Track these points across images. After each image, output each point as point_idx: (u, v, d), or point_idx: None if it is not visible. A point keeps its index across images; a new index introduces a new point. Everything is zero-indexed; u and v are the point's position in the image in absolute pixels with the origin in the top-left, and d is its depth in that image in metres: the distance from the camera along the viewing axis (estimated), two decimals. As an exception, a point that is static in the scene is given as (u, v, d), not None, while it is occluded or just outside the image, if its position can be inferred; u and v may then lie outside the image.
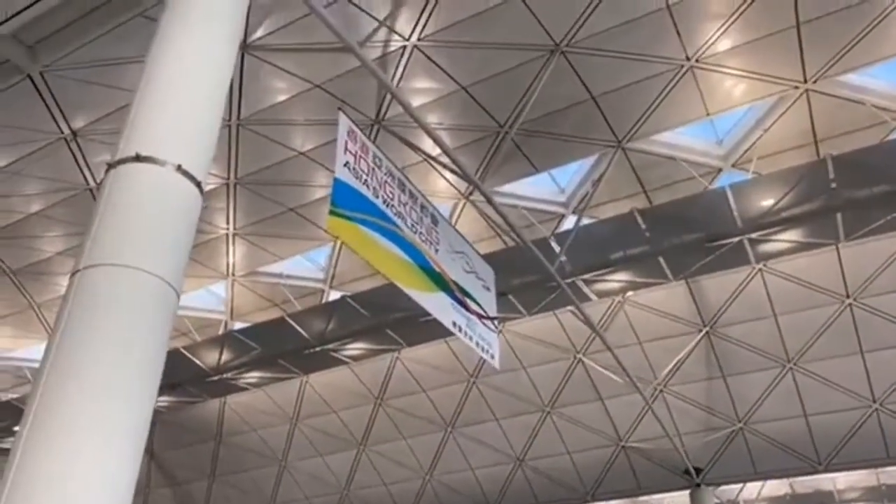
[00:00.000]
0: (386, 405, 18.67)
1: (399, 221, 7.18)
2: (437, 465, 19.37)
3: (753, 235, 11.51)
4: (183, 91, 4.44)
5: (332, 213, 6.17)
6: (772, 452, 16.62)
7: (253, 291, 15.75)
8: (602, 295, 13.95)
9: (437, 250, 7.79)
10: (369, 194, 6.79)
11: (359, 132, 6.97)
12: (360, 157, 6.86)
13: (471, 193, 13.05)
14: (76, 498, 3.29)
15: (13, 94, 9.03)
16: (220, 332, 16.00)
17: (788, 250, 12.16)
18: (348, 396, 18.67)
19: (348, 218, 6.36)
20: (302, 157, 11.99)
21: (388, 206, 7.06)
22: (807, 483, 22.10)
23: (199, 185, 4.29)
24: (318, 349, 15.02)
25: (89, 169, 11.26)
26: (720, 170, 12.44)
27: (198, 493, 21.62)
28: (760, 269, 14.28)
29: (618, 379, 16.23)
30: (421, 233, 7.57)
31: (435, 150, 10.63)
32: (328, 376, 18.16)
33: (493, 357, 8.44)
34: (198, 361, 15.31)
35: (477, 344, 8.10)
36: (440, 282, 7.68)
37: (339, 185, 6.35)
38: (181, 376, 15.80)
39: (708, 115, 11.20)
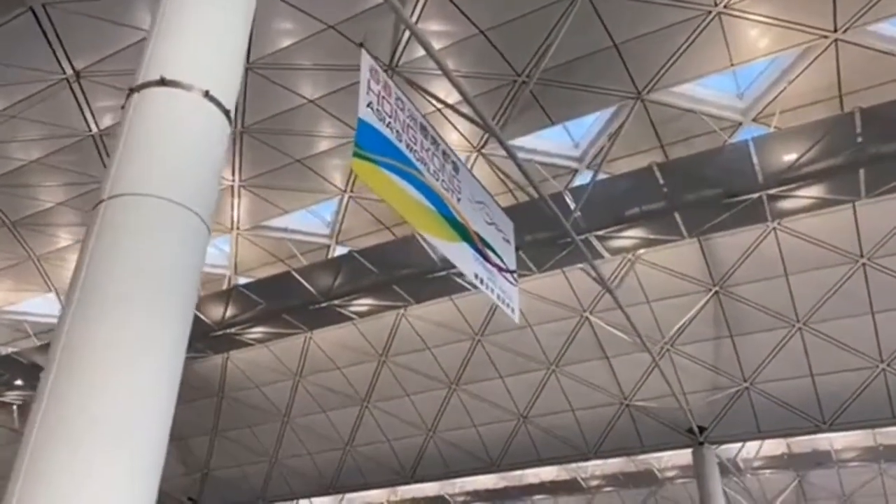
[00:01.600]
0: (390, 362, 18.58)
1: (422, 167, 6.88)
2: (440, 422, 19.37)
3: (773, 191, 11.25)
4: (209, 10, 4.10)
5: (356, 154, 5.87)
6: (776, 412, 16.63)
7: (258, 246, 15.46)
8: (615, 252, 13.74)
9: (458, 199, 7.52)
10: (392, 137, 6.48)
11: (381, 72, 6.62)
12: (383, 97, 6.52)
13: (482, 146, 12.71)
14: (106, 440, 3.06)
15: (13, 29, 8.58)
16: (225, 286, 15.75)
17: (807, 207, 11.91)
18: (352, 353, 18.55)
19: (373, 161, 6.06)
20: (311, 105, 11.60)
21: (410, 150, 6.75)
22: (804, 443, 22.30)
23: (227, 114, 3.99)
24: (324, 305, 14.81)
25: (92, 114, 10.84)
26: (740, 124, 12.11)
27: (199, 448, 21.65)
28: (774, 228, 14.06)
29: (625, 337, 16.14)
30: (443, 180, 7.28)
31: (449, 99, 10.28)
32: (332, 333, 18.00)
33: (513, 311, 8.24)
34: (202, 316, 15.08)
35: (498, 297, 7.89)
36: (462, 231, 7.42)
37: (362, 125, 6.03)
38: (184, 331, 15.61)
39: (732, 65, 10.83)
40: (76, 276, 3.38)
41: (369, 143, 6.07)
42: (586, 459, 19.14)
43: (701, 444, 17.45)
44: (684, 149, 12.32)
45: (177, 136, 3.72)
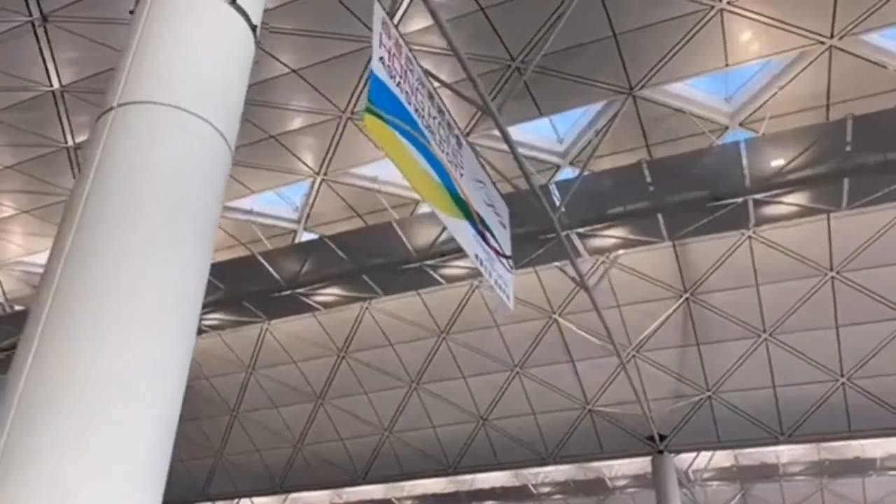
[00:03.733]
0: (350, 357, 17.94)
1: (429, 135, 6.42)
2: (398, 422, 18.82)
3: (759, 196, 11.16)
4: None
5: (368, 110, 5.36)
6: (736, 422, 16.68)
7: (219, 228, 14.65)
8: (593, 252, 13.50)
9: (461, 174, 7.08)
10: (402, 98, 6.00)
11: (393, 27, 6.14)
12: (394, 55, 6.04)
13: (468, 134, 12.29)
14: (103, 410, 2.50)
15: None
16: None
17: (788, 215, 11.88)
18: (310, 347, 17.85)
19: (384, 119, 5.56)
20: (288, 77, 10.99)
21: (419, 115, 6.28)
22: (752, 455, 22.55)
23: (253, 29, 3.46)
24: (287, 293, 14.10)
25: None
26: (726, 128, 12.03)
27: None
28: (749, 237, 14.07)
29: (595, 341, 15.93)
30: (448, 153, 6.83)
31: (441, 76, 9.84)
32: (290, 325, 17.30)
33: (508, 298, 7.82)
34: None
35: (496, 282, 7.46)
36: (464, 209, 6.97)
37: (375, 80, 5.53)
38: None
39: (727, 65, 10.71)
40: (76, 197, 2.80)
41: (381, 101, 5.57)
42: (545, 464, 18.85)
43: (661, 452, 17.38)
44: (669, 150, 12.17)
45: (198, 43, 3.18)
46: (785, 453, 22.64)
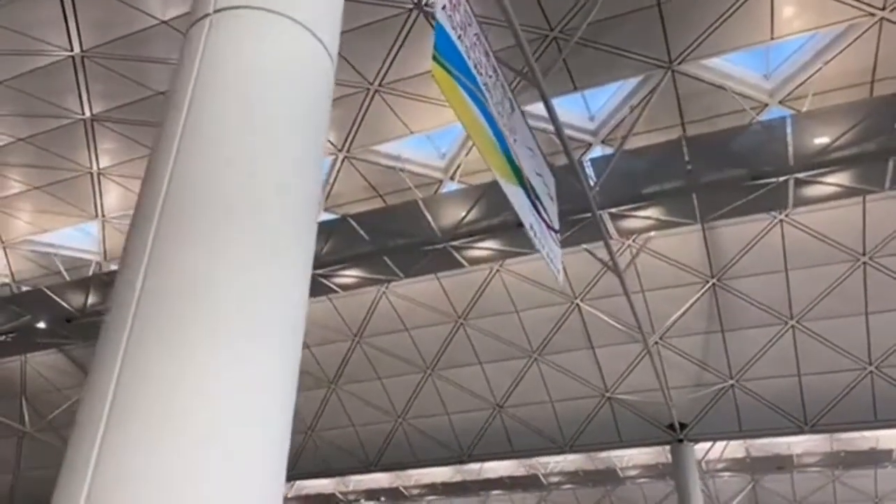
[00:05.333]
0: (364, 342, 17.57)
1: (487, 94, 6.02)
2: (412, 408, 18.47)
3: (801, 175, 10.78)
4: None
5: (435, 59, 4.96)
6: (759, 411, 16.36)
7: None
8: (624, 234, 13.13)
9: (514, 140, 6.68)
10: (463, 52, 5.59)
11: (453, -24, 5.72)
12: (455, 5, 5.63)
13: (497, 110, 11.86)
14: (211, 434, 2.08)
15: None
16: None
17: (828, 196, 11.50)
18: (324, 331, 17.46)
19: (448, 71, 5.16)
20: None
21: (478, 72, 5.88)
22: (766, 447, 22.30)
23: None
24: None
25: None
26: (765, 105, 11.63)
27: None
28: (781, 220, 13.73)
29: (618, 327, 15.59)
30: (503, 115, 6.43)
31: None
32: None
33: (558, 272, 7.44)
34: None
35: (547, 255, 7.08)
36: (519, 176, 6.58)
37: (440, 29, 5.13)
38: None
39: (772, 39, 10.30)
40: (169, 117, 2.39)
41: (445, 51, 5.17)
42: (561, 453, 18.52)
43: (680, 441, 17.07)
44: (706, 128, 11.78)
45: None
46: (799, 445, 22.40)
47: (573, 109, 12.53)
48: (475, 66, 5.86)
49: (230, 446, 2.03)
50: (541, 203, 7.17)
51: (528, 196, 6.74)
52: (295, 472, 20.27)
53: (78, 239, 15.45)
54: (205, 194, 2.24)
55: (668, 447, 19.98)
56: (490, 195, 12.05)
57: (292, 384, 2.33)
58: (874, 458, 21.83)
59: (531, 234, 6.62)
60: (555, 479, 25.00)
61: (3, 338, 15.50)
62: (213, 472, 1.98)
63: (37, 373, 19.37)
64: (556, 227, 7.72)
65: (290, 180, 2.39)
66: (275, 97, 2.42)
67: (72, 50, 9.87)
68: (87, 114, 11.30)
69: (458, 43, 5.53)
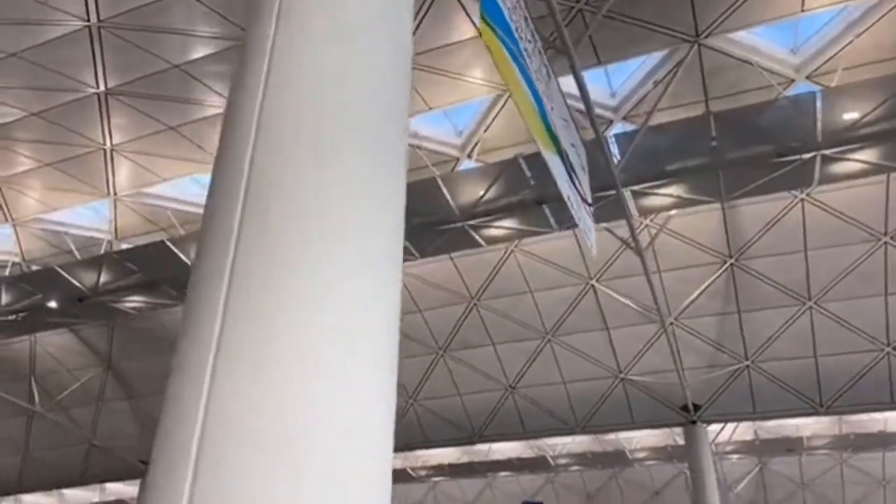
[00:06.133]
0: (376, 323, 17.42)
1: (528, 59, 5.82)
2: (423, 389, 18.39)
3: (829, 152, 10.59)
4: None
5: (483, 19, 4.77)
6: (774, 392, 16.27)
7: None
8: (644, 212, 12.95)
9: (552, 108, 6.49)
10: (506, 14, 5.40)
11: (495, -65, 5.51)
12: (497, -35, 5.42)
13: (517, 85, 11.65)
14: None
15: None
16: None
17: (855, 173, 11.31)
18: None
19: (494, 32, 4.97)
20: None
21: (519, 36, 5.68)
22: (774, 430, 22.29)
23: None
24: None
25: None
26: (792, 81, 11.42)
27: (156, 407, 20.02)
28: (802, 199, 13.56)
29: (634, 307, 15.46)
30: (540, 81, 6.24)
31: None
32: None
33: (592, 246, 7.29)
34: (183, 257, 13.63)
35: (582, 227, 6.92)
36: (556, 145, 6.41)
37: (485, -13, 4.93)
38: (161, 273, 14.12)
39: (802, 10, 10.08)
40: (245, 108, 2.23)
41: (491, 12, 4.98)
42: (573, 434, 18.47)
43: (693, 422, 17.00)
44: (730, 104, 11.56)
45: None
46: (808, 427, 22.37)
47: (594, 85, 12.30)
48: (517, 30, 5.66)
49: (338, 385, 1.90)
50: (575, 174, 7.00)
51: (565, 166, 6.56)
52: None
53: (89, 217, 15.29)
54: (296, 136, 2.09)
55: (676, 429, 20.05)
56: (509, 173, 11.87)
57: (395, 322, 2.21)
58: (883, 440, 21.82)
59: (569, 204, 6.45)
60: (563, 461, 25.00)
61: (13, 317, 15.36)
62: (323, 404, 1.85)
63: (46, 353, 19.28)
64: (590, 200, 7.56)
65: (382, 125, 2.24)
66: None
67: (88, 19, 9.64)
68: (102, 87, 11.08)
69: (501, 4, 5.33)
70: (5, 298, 14.78)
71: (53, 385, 19.48)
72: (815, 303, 14.94)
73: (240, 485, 1.76)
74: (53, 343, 19.07)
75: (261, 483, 1.76)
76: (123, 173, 13.28)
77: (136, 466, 20.22)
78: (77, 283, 14.43)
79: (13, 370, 19.20)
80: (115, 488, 26.96)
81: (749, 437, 22.65)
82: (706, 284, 15.11)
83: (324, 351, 1.95)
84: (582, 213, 6.90)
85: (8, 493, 24.18)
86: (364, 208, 2.14)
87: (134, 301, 15.38)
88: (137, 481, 21.19)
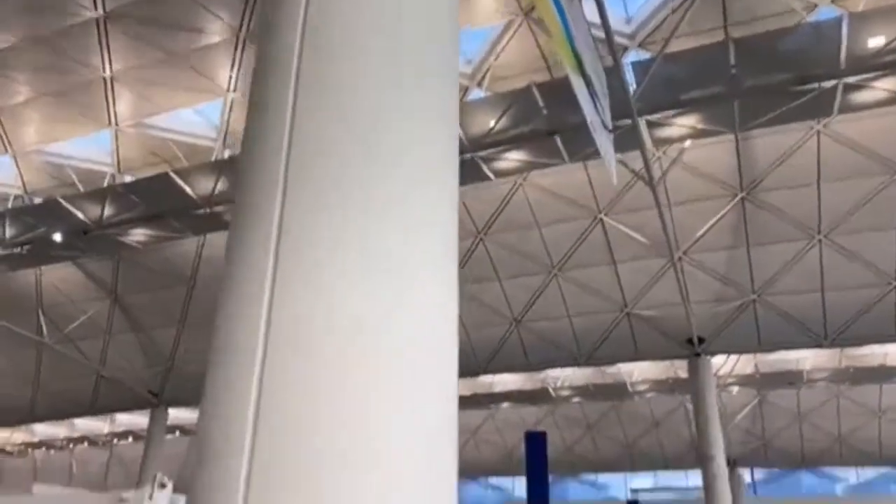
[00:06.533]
0: (382, 257, 17.38)
1: (554, -24, 5.53)
2: (429, 323, 18.46)
3: (851, 80, 10.29)
4: None
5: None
6: (779, 326, 16.35)
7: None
8: (658, 144, 12.71)
9: (576, 30, 6.21)
10: (534, -75, 5.09)
11: None
12: None
13: (530, 10, 11.26)
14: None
15: None
16: (213, 158, 14.07)
17: (876, 102, 11.01)
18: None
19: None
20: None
21: (546, -50, 5.37)
22: (774, 363, 22.56)
23: None
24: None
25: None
26: (815, 6, 11.01)
27: (164, 340, 20.22)
28: (818, 131, 13.30)
29: (643, 241, 15.37)
30: (565, 1, 5.95)
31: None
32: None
33: (612, 173, 7.13)
34: (188, 189, 13.46)
35: (604, 154, 6.74)
36: (581, 68, 6.16)
37: None
38: (165, 206, 13.97)
39: (832, -70, 9.61)
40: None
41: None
42: (576, 365, 18.69)
43: (697, 355, 17.17)
44: (749, 31, 11.18)
45: None
46: (808, 361, 22.67)
47: (609, 10, 11.86)
48: (543, -57, 5.36)
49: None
50: (598, 100, 6.78)
51: (589, 90, 6.34)
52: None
53: (91, 149, 15.02)
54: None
55: (678, 362, 20.31)
56: (521, 102, 11.59)
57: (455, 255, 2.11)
58: (882, 374, 22.13)
59: (592, 130, 6.27)
60: (564, 393, 25.44)
61: (18, 250, 15.29)
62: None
63: (52, 285, 19.31)
64: (611, 126, 7.35)
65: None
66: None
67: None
68: (100, 10, 10.68)
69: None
70: (9, 231, 14.68)
71: (61, 318, 19.59)
72: (824, 237, 14.86)
73: (304, 395, 1.68)
74: (59, 276, 19.08)
75: (326, 401, 1.68)
76: (124, 103, 12.96)
77: (145, 397, 20.57)
78: (81, 216, 14.30)
79: (20, 303, 19.27)
80: (125, 419, 27.58)
81: (750, 370, 22.98)
82: (716, 218, 15.00)
83: (383, 276, 1.85)
84: (603, 140, 6.71)
85: (21, 423, 24.69)
86: (420, 129, 2.01)
87: (139, 234, 15.28)
88: (147, 412, 21.61)
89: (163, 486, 9.84)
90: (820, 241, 14.92)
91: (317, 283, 1.79)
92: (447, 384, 1.94)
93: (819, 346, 16.42)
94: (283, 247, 1.83)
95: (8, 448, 29.97)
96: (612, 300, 17.04)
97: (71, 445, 29.43)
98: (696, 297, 16.36)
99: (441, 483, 1.79)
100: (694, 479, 27.59)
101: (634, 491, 30.70)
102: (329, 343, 1.73)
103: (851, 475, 29.50)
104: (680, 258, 15.79)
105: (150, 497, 9.81)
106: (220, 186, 13.68)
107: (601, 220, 15.71)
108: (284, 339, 1.76)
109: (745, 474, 28.04)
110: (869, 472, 29.21)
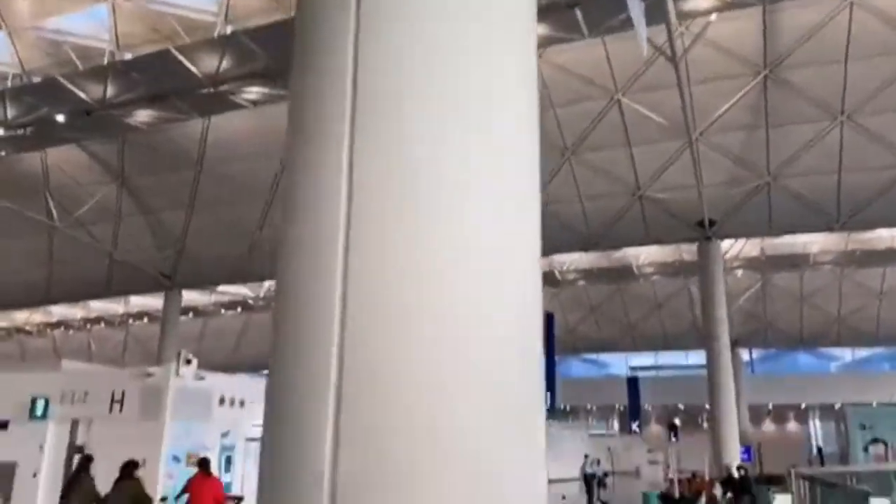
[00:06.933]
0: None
1: None
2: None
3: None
4: None
5: None
6: (791, 209, 16.23)
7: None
8: (684, 17, 12.08)
9: None
10: None
11: None
12: None
13: None
14: None
15: None
16: (216, 34, 13.46)
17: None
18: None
19: None
20: None
21: None
22: (780, 246, 22.64)
23: None
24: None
25: None
26: None
27: (173, 223, 20.21)
28: (851, 3, 12.61)
29: (660, 121, 14.97)
30: None
31: None
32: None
33: (643, 43, 6.78)
34: (191, 67, 12.98)
35: (636, 22, 6.37)
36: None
37: None
38: (169, 85, 13.54)
39: None
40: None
41: None
42: (585, 250, 18.77)
43: (708, 238, 17.18)
44: None
45: None
46: (814, 244, 22.74)
47: None
48: None
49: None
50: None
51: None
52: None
53: (88, 25, 14.35)
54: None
55: (685, 245, 20.38)
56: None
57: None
58: (888, 257, 22.29)
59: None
60: (570, 276, 25.76)
61: (21, 131, 14.99)
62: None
63: (58, 168, 19.11)
64: (643, -5, 6.92)
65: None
66: None
67: None
68: None
69: None
70: (10, 112, 14.32)
71: (69, 201, 19.53)
72: (847, 117, 14.45)
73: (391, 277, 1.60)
74: (64, 159, 18.83)
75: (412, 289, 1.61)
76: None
77: (158, 280, 20.86)
78: (83, 96, 13.89)
79: (28, 186, 19.14)
80: (139, 301, 28.15)
81: (756, 253, 23.13)
82: (737, 97, 14.52)
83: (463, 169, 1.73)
84: (635, 7, 6.33)
85: (39, 304, 25.24)
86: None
87: (143, 115, 14.91)
88: (160, 294, 22.00)
89: (188, 362, 10.14)
90: (842, 121, 14.52)
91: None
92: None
93: (830, 229, 16.39)
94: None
95: (28, 328, 30.86)
96: (624, 183, 16.84)
97: (88, 326, 30.26)
98: (709, 180, 16.15)
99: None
100: (693, 358, 28.58)
101: (634, 368, 31.80)
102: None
103: (847, 354, 30.41)
104: (697, 139, 15.46)
105: (178, 373, 10.13)
106: (225, 64, 13.20)
107: (618, 100, 15.24)
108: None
109: (744, 354, 28.89)
110: (864, 353, 30.11)
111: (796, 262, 23.21)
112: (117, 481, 7.12)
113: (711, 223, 16.86)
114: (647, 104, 14.99)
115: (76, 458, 9.96)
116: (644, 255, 24.57)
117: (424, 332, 1.60)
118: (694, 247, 18.45)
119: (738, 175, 16.10)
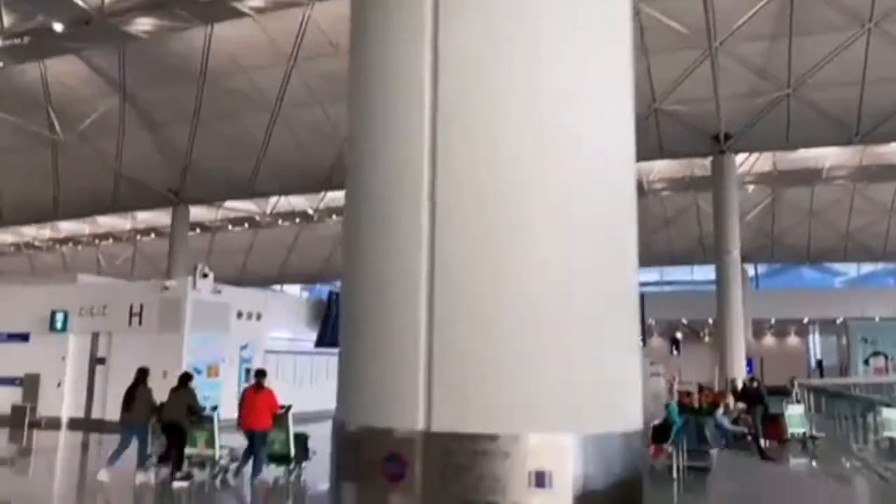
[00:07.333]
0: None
1: None
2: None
3: None
4: None
5: None
6: (809, 122, 15.86)
7: None
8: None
9: None
10: None
11: None
12: None
13: None
14: None
15: None
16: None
17: None
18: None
19: None
20: None
21: None
22: (792, 161, 22.27)
23: None
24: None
25: None
26: None
27: (179, 137, 19.87)
28: None
29: (681, 29, 14.40)
30: None
31: None
32: (336, 7, 15.53)
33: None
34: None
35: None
36: None
37: None
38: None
39: None
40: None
41: None
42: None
43: (723, 152, 16.89)
44: None
45: None
46: (828, 158, 22.35)
47: None
48: None
49: None
50: None
51: None
52: (333, 182, 20.53)
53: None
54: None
55: (696, 160, 20.06)
56: None
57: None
58: (901, 172, 21.97)
59: None
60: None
61: (19, 41, 14.52)
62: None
63: (59, 81, 18.64)
64: None
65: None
66: None
67: None
68: None
69: None
70: (7, 20, 13.83)
71: (72, 115, 19.16)
72: (874, 24, 13.89)
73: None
74: (64, 71, 18.33)
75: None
76: None
77: (165, 196, 20.70)
78: (80, 3, 13.36)
79: (29, 100, 18.73)
80: (146, 216, 28.08)
81: (768, 168, 22.78)
82: (761, 3, 13.91)
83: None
84: None
85: (46, 220, 25.21)
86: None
87: (143, 24, 14.40)
88: (169, 210, 21.89)
89: (205, 275, 10.23)
90: (870, 28, 13.96)
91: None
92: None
93: (849, 142, 16.08)
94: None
95: (37, 243, 30.99)
96: (639, 94, 16.33)
97: (96, 241, 30.34)
98: (728, 92, 15.73)
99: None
100: (699, 273, 28.70)
101: (640, 284, 32.01)
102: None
103: (852, 270, 30.51)
104: (717, 48, 14.93)
105: (195, 286, 10.22)
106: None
107: (637, 6, 14.61)
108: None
109: (749, 269, 28.98)
110: (869, 268, 30.19)
111: (808, 176, 22.87)
112: (173, 390, 7.39)
113: (727, 137, 16.53)
114: (666, 10, 14.38)
115: (98, 369, 10.15)
116: (656, 170, 24.22)
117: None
118: (705, 161, 18.15)
119: (758, 86, 15.65)
